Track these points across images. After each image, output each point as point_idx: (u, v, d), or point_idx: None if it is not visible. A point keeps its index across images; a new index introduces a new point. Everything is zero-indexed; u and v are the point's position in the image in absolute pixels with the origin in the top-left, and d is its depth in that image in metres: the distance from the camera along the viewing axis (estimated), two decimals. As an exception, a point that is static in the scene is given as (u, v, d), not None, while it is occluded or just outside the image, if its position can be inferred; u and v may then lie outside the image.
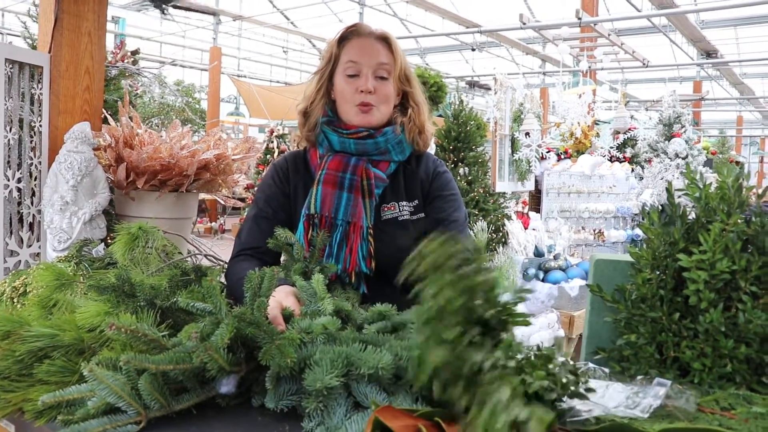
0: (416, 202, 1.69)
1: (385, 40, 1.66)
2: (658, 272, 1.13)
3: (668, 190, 1.19)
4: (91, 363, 1.00)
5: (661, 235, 1.15)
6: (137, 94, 2.58)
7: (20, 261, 1.92)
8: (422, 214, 1.69)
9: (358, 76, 1.62)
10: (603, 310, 1.22)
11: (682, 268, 1.08)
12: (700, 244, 1.07)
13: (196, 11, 11.83)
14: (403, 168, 1.71)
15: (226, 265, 1.69)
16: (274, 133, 9.95)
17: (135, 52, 2.90)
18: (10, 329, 1.15)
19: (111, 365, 1.04)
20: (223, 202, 2.18)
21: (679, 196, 1.24)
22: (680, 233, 1.12)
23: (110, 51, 2.79)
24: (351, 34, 1.67)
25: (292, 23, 16.72)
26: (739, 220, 1.07)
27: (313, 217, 1.60)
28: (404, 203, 1.68)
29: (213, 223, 13.67)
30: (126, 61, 2.76)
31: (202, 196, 2.30)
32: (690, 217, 1.15)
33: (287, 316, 1.23)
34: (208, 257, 1.71)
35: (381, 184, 1.65)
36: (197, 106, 17.13)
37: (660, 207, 1.22)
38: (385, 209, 1.66)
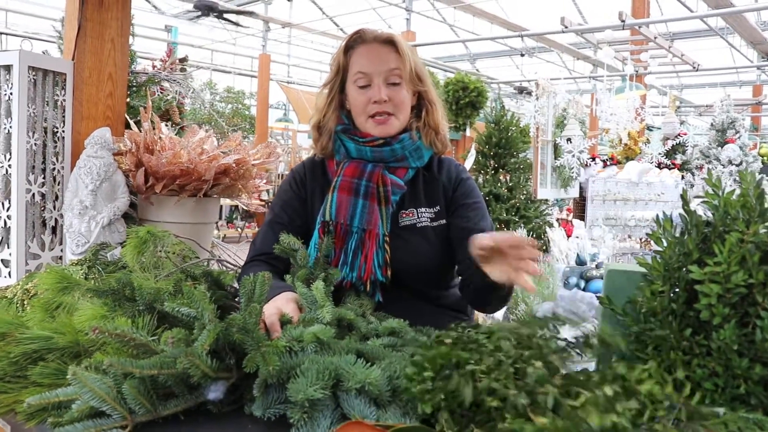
0: (437, 208, 1.65)
1: (391, 43, 1.61)
2: (669, 285, 1.06)
3: (683, 197, 1.12)
4: (75, 366, 0.99)
5: (675, 244, 1.08)
6: (167, 100, 2.61)
7: (42, 264, 1.96)
8: (444, 221, 1.65)
9: (370, 86, 1.58)
10: (614, 323, 1.15)
11: (695, 280, 1.01)
12: (714, 255, 1.00)
13: (240, 25, 11.98)
14: (422, 174, 1.67)
15: (235, 268, 1.68)
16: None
17: (183, 60, 2.95)
18: (5, 331, 1.16)
19: (101, 369, 1.03)
20: (245, 207, 2.18)
21: (698, 204, 1.17)
22: (694, 243, 1.05)
23: (159, 59, 2.85)
24: (356, 42, 1.63)
25: (341, 30, 16.82)
26: (759, 230, 0.99)
27: (329, 224, 1.57)
28: (423, 209, 1.64)
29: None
30: (174, 68, 2.81)
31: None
32: (708, 226, 1.08)
33: (285, 323, 1.20)
34: (222, 262, 1.70)
35: (398, 191, 1.61)
36: (247, 113, 17.40)
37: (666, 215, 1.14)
38: (403, 215, 1.62)
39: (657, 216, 1.15)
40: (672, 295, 1.05)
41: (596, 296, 1.20)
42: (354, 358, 1.04)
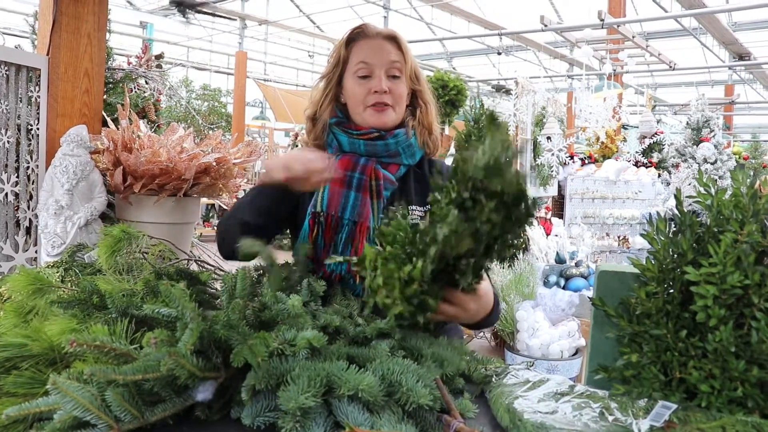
0: (428, 207, 1.63)
1: (393, 39, 1.62)
2: (664, 286, 1.05)
3: (677, 197, 1.11)
4: (55, 375, 0.94)
5: (668, 245, 1.06)
6: (144, 97, 2.56)
7: (16, 266, 1.89)
8: None
9: (371, 77, 1.58)
10: (607, 325, 1.13)
11: (690, 281, 0.99)
12: (709, 255, 0.98)
13: (222, 16, 11.87)
14: (413, 172, 1.65)
15: (217, 270, 1.63)
16: (299, 137, 9.97)
17: (159, 57, 2.90)
18: (-23, 339, 1.10)
19: (82, 378, 0.98)
20: (225, 207, 2.14)
21: (690, 204, 1.16)
22: (689, 244, 1.03)
23: (134, 55, 2.80)
24: (358, 36, 1.63)
25: (318, 27, 16.77)
26: (753, 230, 0.98)
27: (319, 215, 1.55)
28: (414, 207, 1.61)
29: (237, 227, 13.69)
30: (150, 65, 2.76)
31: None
32: (702, 226, 1.07)
33: (270, 322, 1.16)
34: (201, 263, 1.65)
35: (390, 186, 1.59)
36: (223, 110, 17.25)
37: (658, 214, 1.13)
38: None
39: (650, 215, 1.14)
40: (666, 296, 1.04)
41: (589, 298, 1.18)
42: (345, 364, 1.01)
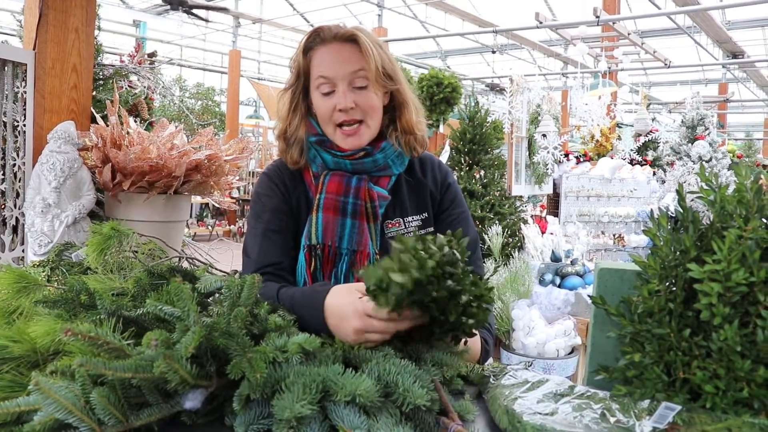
0: (425, 215, 1.55)
1: (353, 40, 1.45)
2: (667, 284, 1.02)
3: (679, 193, 1.08)
4: (38, 374, 0.91)
5: (671, 242, 1.03)
6: (135, 94, 2.52)
7: (1, 265, 1.85)
8: (431, 228, 1.55)
9: (335, 92, 1.44)
10: (607, 324, 1.11)
11: (694, 279, 0.97)
12: (713, 252, 0.96)
13: (209, 20, 11.82)
14: (404, 180, 1.55)
15: (209, 268, 1.58)
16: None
17: (152, 55, 2.87)
18: (-44, 341, 1.06)
19: (69, 374, 0.95)
20: (217, 205, 2.10)
21: (692, 199, 1.13)
22: (692, 240, 1.01)
23: (127, 54, 2.77)
24: (314, 42, 1.48)
25: (311, 26, 16.72)
26: (758, 226, 0.96)
27: (315, 248, 1.44)
28: (410, 218, 1.54)
29: (232, 226, 13.70)
30: (143, 63, 2.72)
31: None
32: (704, 222, 1.04)
33: (259, 336, 1.13)
34: (192, 261, 1.62)
35: (384, 202, 1.49)
36: (217, 109, 17.21)
37: (666, 210, 1.10)
38: (389, 226, 1.51)
39: (651, 211, 1.11)
40: (669, 294, 1.01)
41: (589, 296, 1.15)
42: (341, 368, 0.97)
